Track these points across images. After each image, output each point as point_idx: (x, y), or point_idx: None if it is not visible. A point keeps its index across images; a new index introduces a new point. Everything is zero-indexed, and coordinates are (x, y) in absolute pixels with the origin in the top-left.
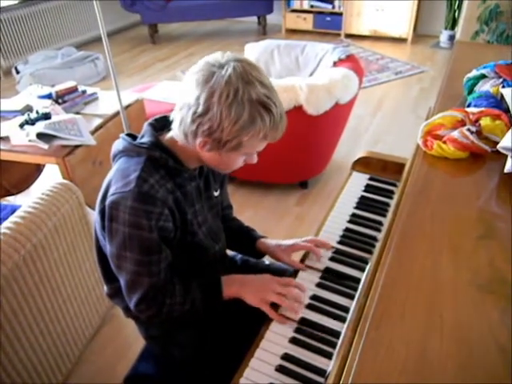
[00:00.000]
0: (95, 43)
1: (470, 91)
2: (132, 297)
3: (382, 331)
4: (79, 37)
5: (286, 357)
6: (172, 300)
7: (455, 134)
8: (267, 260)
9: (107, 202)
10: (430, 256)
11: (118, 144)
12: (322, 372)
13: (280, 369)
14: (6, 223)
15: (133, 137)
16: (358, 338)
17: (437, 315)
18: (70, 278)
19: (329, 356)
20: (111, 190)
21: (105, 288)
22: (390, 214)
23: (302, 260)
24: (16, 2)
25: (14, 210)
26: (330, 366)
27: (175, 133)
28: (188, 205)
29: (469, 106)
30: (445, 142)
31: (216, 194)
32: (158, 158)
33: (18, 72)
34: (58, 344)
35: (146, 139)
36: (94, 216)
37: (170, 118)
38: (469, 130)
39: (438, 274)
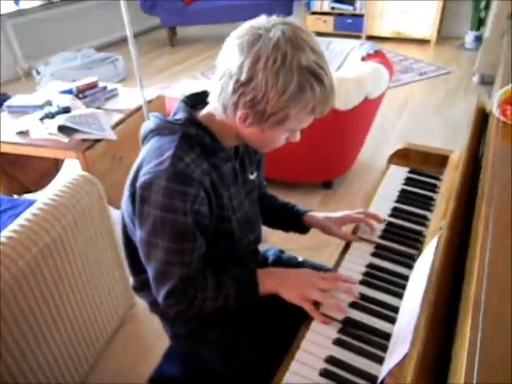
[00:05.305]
0: (114, 46)
1: None
2: (160, 289)
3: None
4: (99, 39)
5: (332, 360)
6: (203, 294)
7: None
8: (300, 257)
9: (138, 182)
10: None
11: (149, 123)
12: (372, 378)
13: (325, 373)
14: (25, 215)
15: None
16: (471, 329)
17: None
18: (89, 275)
19: (379, 360)
20: (143, 170)
21: (131, 280)
22: (452, 200)
23: (353, 233)
24: (37, 5)
25: (31, 204)
26: (384, 371)
27: (214, 106)
28: (224, 188)
29: None
30: None
31: (252, 177)
32: (194, 135)
33: (38, 73)
34: (75, 344)
35: (179, 115)
36: (118, 208)
37: (208, 90)
38: None
39: None
